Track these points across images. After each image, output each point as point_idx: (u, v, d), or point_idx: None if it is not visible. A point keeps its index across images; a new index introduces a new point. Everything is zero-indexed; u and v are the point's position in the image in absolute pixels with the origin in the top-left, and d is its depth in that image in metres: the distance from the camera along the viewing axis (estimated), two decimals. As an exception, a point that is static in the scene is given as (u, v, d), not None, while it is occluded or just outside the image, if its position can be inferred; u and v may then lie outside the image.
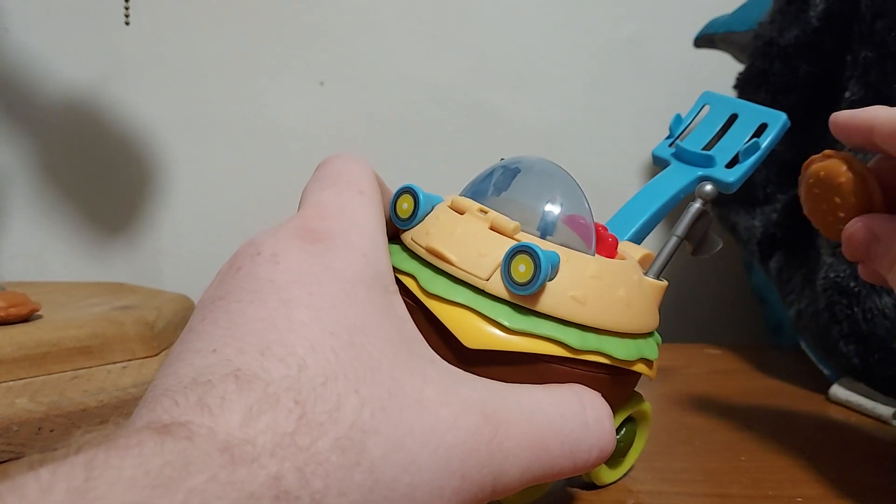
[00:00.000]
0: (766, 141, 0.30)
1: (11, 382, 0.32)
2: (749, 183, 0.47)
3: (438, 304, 0.22)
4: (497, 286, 0.22)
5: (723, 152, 0.31)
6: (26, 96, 0.61)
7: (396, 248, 0.25)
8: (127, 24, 0.47)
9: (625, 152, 0.65)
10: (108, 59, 0.61)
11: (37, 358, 0.33)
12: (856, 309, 0.38)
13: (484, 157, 0.64)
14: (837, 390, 0.41)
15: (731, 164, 0.31)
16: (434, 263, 0.23)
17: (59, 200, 0.62)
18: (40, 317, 0.36)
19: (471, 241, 0.23)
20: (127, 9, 0.47)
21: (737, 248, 0.57)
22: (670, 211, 0.30)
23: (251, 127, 0.63)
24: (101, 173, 0.62)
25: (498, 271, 0.22)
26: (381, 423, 0.17)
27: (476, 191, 0.25)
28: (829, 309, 0.39)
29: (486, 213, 0.23)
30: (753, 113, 0.32)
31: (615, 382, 0.24)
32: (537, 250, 0.21)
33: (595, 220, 0.25)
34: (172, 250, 0.63)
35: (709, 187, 0.27)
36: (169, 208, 0.63)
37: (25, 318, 0.35)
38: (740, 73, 0.48)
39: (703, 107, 0.34)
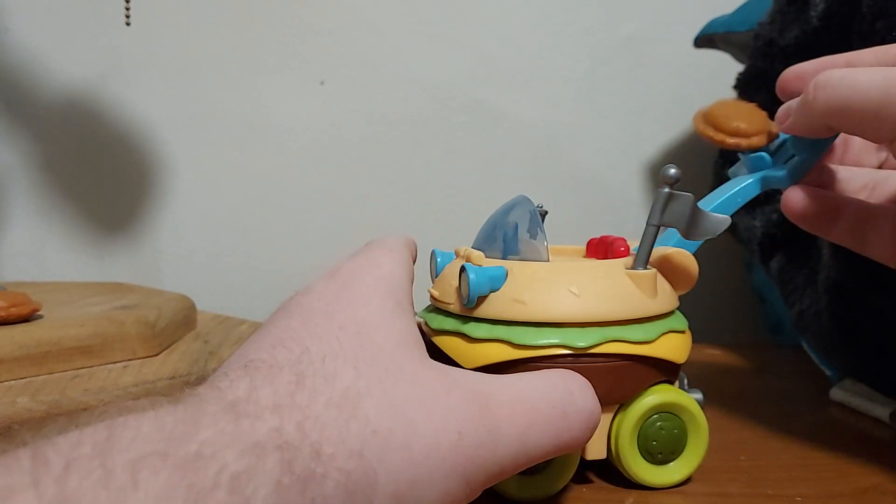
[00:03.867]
0: (823, 142, 0.30)
1: (12, 381, 0.32)
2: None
3: (436, 336, 0.27)
4: (456, 306, 0.27)
5: (782, 152, 0.31)
6: (26, 95, 0.61)
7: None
8: (128, 24, 0.47)
9: (624, 152, 0.65)
10: (107, 58, 0.61)
11: (37, 357, 0.33)
12: (856, 309, 0.38)
13: (484, 157, 0.64)
14: (838, 390, 0.41)
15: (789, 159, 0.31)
16: (434, 304, 0.29)
17: (59, 200, 0.62)
18: (41, 316, 0.36)
19: (450, 279, 0.28)
20: (128, 9, 0.47)
21: (736, 248, 0.57)
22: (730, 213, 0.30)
23: (251, 127, 0.63)
24: (101, 173, 0.62)
25: (457, 294, 0.27)
26: (376, 389, 0.19)
27: (477, 240, 0.30)
28: (830, 309, 0.39)
29: (462, 252, 0.28)
30: None
31: (590, 370, 0.25)
32: (467, 267, 0.26)
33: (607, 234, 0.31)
34: (172, 250, 0.63)
35: (671, 171, 0.27)
36: (169, 208, 0.63)
37: (26, 318, 0.35)
38: (740, 74, 0.48)
39: None
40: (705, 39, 0.56)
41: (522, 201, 0.29)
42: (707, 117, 0.32)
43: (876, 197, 0.31)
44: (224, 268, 0.64)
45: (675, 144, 0.65)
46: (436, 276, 0.30)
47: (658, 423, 0.28)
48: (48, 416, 0.30)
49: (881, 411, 0.38)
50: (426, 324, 0.29)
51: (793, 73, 0.31)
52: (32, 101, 0.61)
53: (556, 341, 0.25)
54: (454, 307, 0.27)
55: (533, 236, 0.28)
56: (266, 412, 0.17)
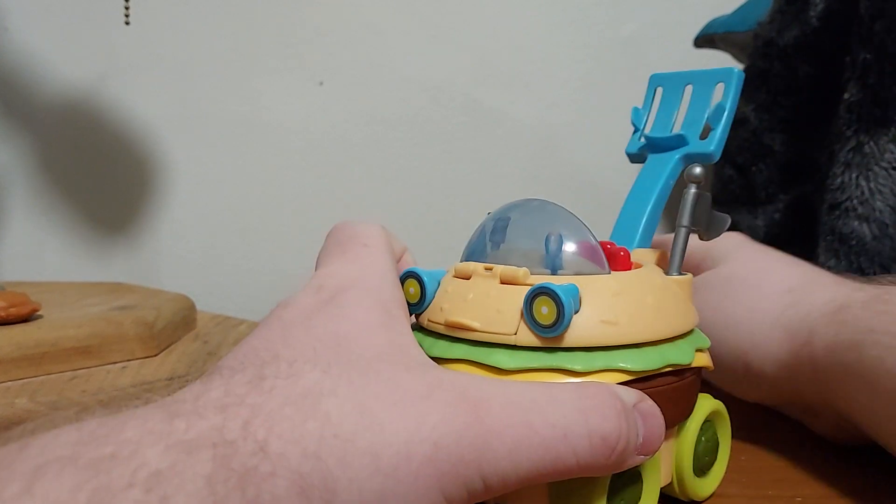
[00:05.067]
0: (728, 100, 0.30)
1: (10, 382, 0.32)
2: (751, 183, 0.47)
3: (466, 367, 0.22)
4: (526, 337, 0.22)
5: (691, 126, 0.30)
6: (25, 96, 0.61)
7: (419, 335, 0.24)
8: (127, 24, 0.47)
9: (624, 152, 0.65)
10: (106, 58, 0.61)
11: (36, 358, 0.33)
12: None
13: (483, 158, 0.64)
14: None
15: (705, 134, 0.30)
16: (458, 336, 0.23)
17: (58, 200, 0.62)
18: (40, 317, 0.36)
19: (486, 302, 0.23)
20: (127, 9, 0.47)
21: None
22: (666, 202, 0.30)
23: (250, 127, 0.63)
24: (100, 173, 0.62)
25: (522, 322, 0.22)
26: (343, 389, 0.18)
27: (474, 251, 0.25)
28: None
29: (491, 269, 0.23)
30: (706, 77, 0.31)
31: (682, 387, 0.24)
32: (554, 288, 0.21)
33: (600, 239, 0.25)
34: (171, 250, 0.63)
35: (697, 170, 0.26)
36: (168, 208, 0.63)
37: (25, 318, 0.35)
38: (740, 74, 0.48)
39: (656, 90, 0.33)
40: (705, 39, 0.56)
41: (541, 205, 0.25)
42: None
43: None
44: (223, 268, 0.64)
45: (674, 144, 0.65)
46: (427, 303, 0.25)
47: (703, 436, 0.26)
48: (47, 417, 0.30)
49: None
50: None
51: None
52: (31, 102, 0.61)
53: (610, 366, 0.22)
54: (518, 338, 0.22)
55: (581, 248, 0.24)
56: (209, 411, 0.16)
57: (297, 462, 0.16)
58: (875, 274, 0.37)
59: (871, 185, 0.39)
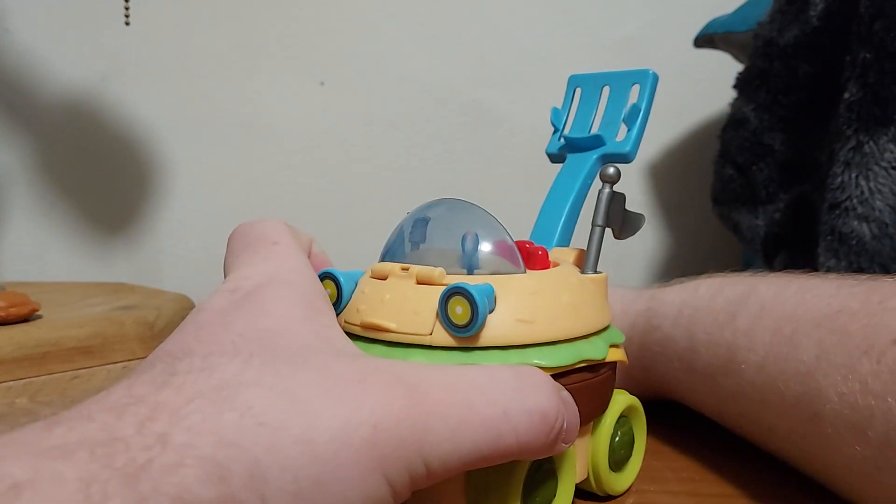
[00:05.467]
0: (643, 101, 0.30)
1: (11, 382, 0.32)
2: (751, 182, 0.47)
3: None
4: (442, 337, 0.22)
5: (608, 127, 0.31)
6: (26, 96, 0.61)
7: None
8: (127, 23, 0.47)
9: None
10: (107, 58, 0.61)
11: (37, 358, 0.33)
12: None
13: (484, 158, 0.64)
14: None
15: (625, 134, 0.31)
16: (375, 337, 0.23)
17: (60, 200, 0.62)
18: (40, 317, 0.36)
19: (402, 303, 0.23)
20: (127, 9, 0.47)
21: (735, 247, 0.57)
22: (584, 201, 0.30)
23: (251, 127, 0.63)
24: (101, 173, 0.62)
25: (438, 322, 0.22)
26: (268, 378, 0.17)
27: (393, 251, 0.25)
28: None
29: (407, 269, 0.23)
30: (622, 79, 0.32)
31: (599, 384, 0.24)
32: (468, 287, 0.21)
33: (518, 239, 0.25)
34: (172, 250, 0.63)
35: (611, 170, 0.27)
36: (169, 208, 0.63)
37: (25, 318, 0.35)
38: (740, 73, 0.48)
39: (575, 91, 0.33)
40: (705, 39, 0.57)
41: (459, 204, 0.25)
42: None
43: None
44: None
45: (674, 144, 0.65)
46: (344, 304, 0.25)
47: (619, 431, 0.27)
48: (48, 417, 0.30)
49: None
50: None
51: None
52: (33, 102, 0.61)
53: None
54: (433, 338, 0.22)
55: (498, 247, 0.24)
56: (101, 414, 0.15)
57: (211, 451, 0.15)
58: (875, 273, 0.37)
59: (871, 184, 0.39)
